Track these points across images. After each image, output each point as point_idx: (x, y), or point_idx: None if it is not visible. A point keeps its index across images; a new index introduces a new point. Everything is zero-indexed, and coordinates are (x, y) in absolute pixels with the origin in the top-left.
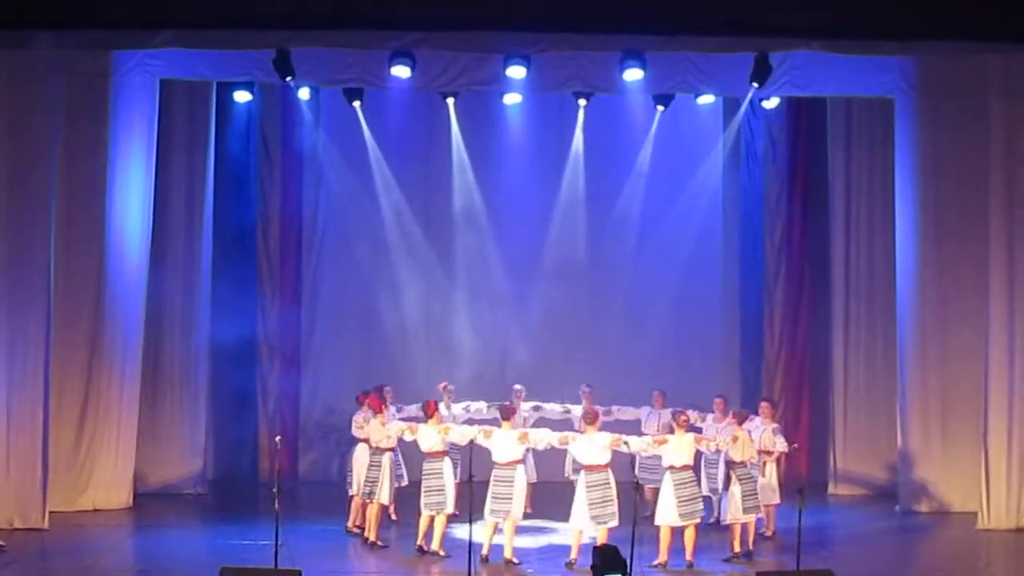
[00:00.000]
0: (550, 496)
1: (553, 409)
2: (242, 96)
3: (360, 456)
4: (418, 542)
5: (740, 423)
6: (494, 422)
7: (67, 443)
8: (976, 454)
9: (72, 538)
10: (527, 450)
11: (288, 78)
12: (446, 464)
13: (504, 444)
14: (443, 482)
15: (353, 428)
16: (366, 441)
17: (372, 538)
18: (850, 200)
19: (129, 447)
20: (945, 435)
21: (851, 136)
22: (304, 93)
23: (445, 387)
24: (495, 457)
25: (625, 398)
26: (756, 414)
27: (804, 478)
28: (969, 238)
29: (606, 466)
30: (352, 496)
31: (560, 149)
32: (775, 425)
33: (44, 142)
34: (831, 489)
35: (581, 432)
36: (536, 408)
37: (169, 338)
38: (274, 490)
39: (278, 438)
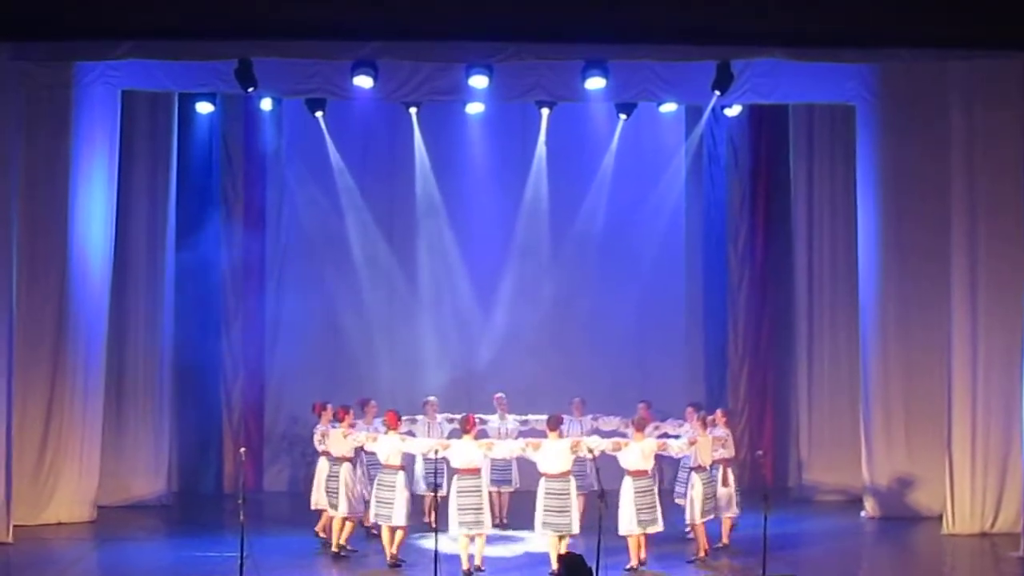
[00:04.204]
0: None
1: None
2: (204, 107)
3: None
4: (464, 567)
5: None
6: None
7: (31, 456)
8: (940, 460)
9: (36, 552)
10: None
11: (250, 89)
12: (483, 481)
13: (554, 455)
14: (480, 500)
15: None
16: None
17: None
18: (812, 207)
19: (93, 460)
20: (909, 441)
21: (813, 143)
22: (266, 104)
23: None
24: (544, 469)
25: (589, 405)
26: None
27: (768, 484)
28: (931, 244)
29: (649, 472)
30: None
31: (523, 158)
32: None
33: (5, 154)
34: (795, 495)
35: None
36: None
37: (133, 351)
38: (239, 502)
39: (242, 450)
